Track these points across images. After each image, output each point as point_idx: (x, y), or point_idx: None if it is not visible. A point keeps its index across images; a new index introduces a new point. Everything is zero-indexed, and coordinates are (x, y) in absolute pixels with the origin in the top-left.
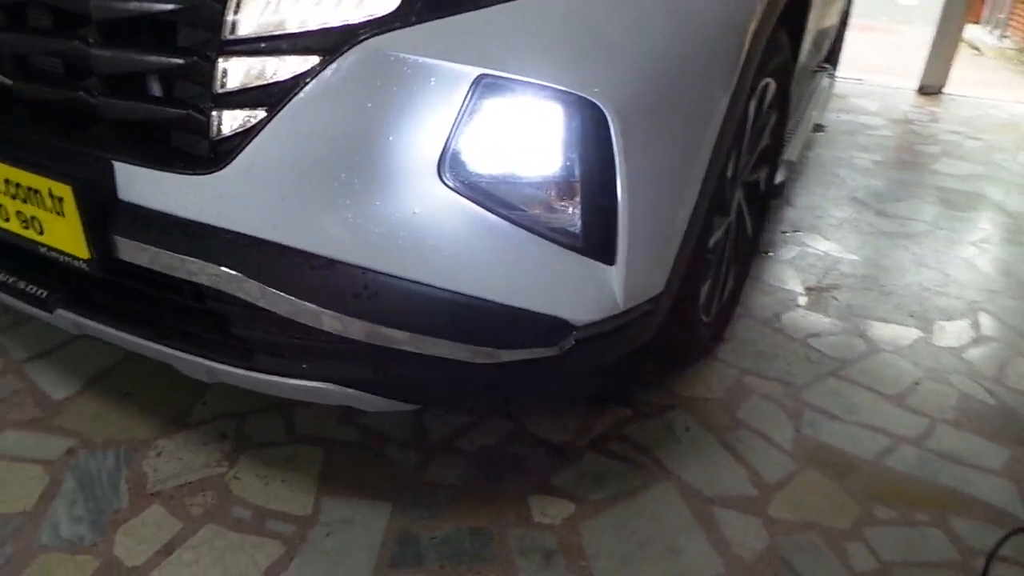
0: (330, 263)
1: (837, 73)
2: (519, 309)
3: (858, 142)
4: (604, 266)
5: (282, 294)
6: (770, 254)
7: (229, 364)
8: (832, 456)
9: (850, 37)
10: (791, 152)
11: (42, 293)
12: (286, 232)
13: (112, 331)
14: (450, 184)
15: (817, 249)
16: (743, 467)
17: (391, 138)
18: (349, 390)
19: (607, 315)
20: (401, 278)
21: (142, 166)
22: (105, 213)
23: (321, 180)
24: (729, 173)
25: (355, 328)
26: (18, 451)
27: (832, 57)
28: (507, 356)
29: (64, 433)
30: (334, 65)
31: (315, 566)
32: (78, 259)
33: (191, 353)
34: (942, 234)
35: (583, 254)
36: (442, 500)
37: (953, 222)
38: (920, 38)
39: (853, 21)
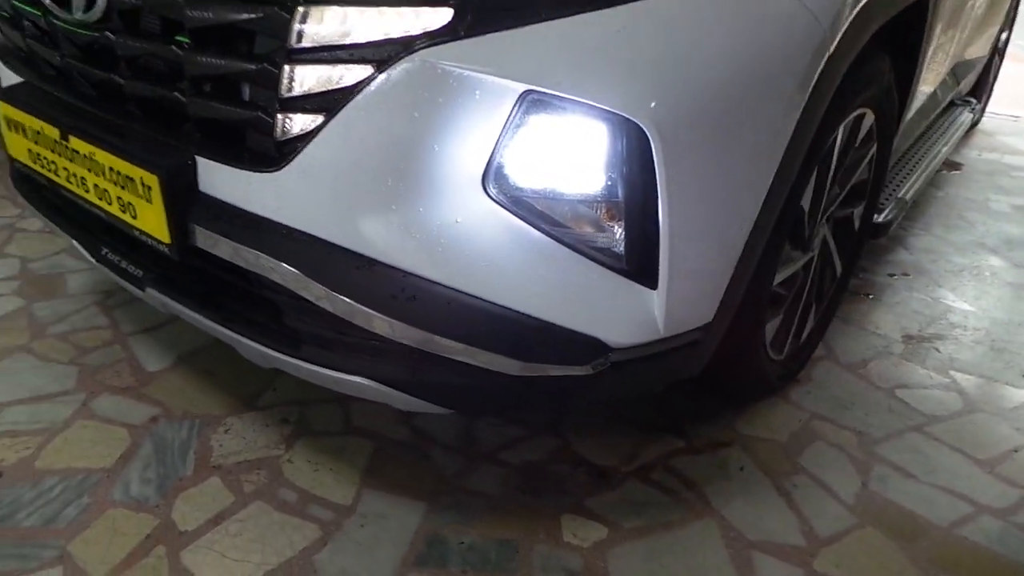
0: (371, 263)
1: (988, 108)
2: (553, 325)
3: (998, 183)
4: (646, 289)
5: (323, 287)
6: (871, 296)
7: (279, 351)
8: (898, 517)
9: (1011, 70)
10: (905, 190)
11: (138, 272)
12: (334, 231)
13: (189, 312)
14: (493, 196)
15: (926, 296)
16: (794, 515)
17: (436, 147)
18: (385, 387)
19: (647, 340)
20: (439, 284)
21: (219, 162)
22: (185, 202)
23: (369, 184)
24: (806, 206)
25: (390, 328)
26: (110, 414)
27: (979, 90)
28: (537, 371)
29: (151, 402)
30: (386, 75)
31: (345, 553)
32: (161, 243)
33: (249, 337)
34: None
35: (624, 276)
36: (477, 508)
37: None
38: None
39: (1016, 52)
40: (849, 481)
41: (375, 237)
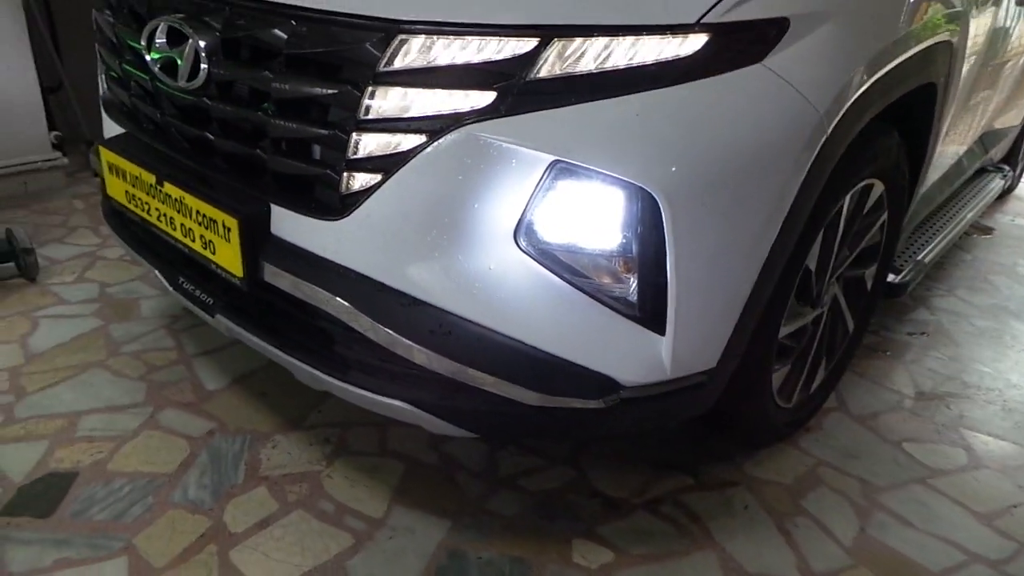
0: (415, 302)
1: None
2: (571, 362)
3: None
4: (655, 335)
5: (371, 319)
6: (888, 353)
7: (329, 375)
8: (893, 561)
9: None
10: (925, 253)
11: (209, 300)
12: (385, 272)
13: (252, 337)
14: (523, 248)
15: (943, 355)
16: (792, 552)
17: (476, 205)
18: (420, 411)
19: (654, 380)
20: (472, 322)
21: (290, 210)
22: (258, 243)
23: (417, 234)
24: (812, 266)
25: (427, 358)
26: (173, 426)
27: (1013, 157)
28: (556, 403)
29: (208, 417)
30: (437, 143)
31: (374, 561)
32: (235, 276)
33: (304, 362)
34: None
35: (636, 322)
36: (495, 528)
37: None
38: None
39: None
40: (848, 525)
41: (419, 279)
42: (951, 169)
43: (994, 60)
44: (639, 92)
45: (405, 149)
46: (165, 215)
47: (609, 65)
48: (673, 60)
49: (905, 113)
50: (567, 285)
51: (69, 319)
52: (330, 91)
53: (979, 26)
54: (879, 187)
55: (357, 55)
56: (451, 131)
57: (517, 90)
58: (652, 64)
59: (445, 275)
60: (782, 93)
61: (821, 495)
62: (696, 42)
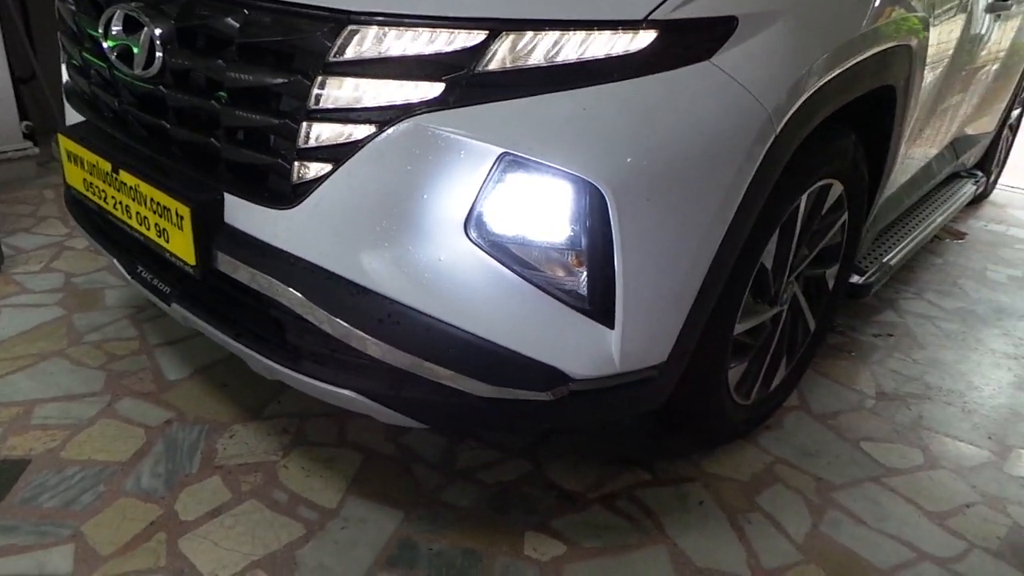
0: (364, 291)
1: (1003, 181)
2: (520, 354)
3: (999, 254)
4: (604, 328)
5: (320, 308)
6: (852, 354)
7: (281, 364)
8: (843, 558)
9: None
10: (892, 255)
11: (165, 289)
12: (335, 262)
13: (206, 326)
14: (472, 239)
15: (907, 357)
16: (743, 548)
17: (425, 196)
18: (370, 401)
19: (604, 373)
20: (421, 312)
21: (243, 198)
22: (211, 231)
23: (367, 224)
24: (768, 264)
25: (375, 347)
26: (130, 415)
27: (987, 163)
28: (504, 394)
29: (167, 407)
30: (386, 134)
31: (325, 551)
32: (188, 264)
33: (256, 351)
34: None
35: (585, 315)
36: (449, 519)
37: None
38: None
39: None
40: (801, 522)
41: (369, 269)
42: (919, 173)
43: (965, 66)
44: (588, 87)
45: (355, 139)
46: (121, 203)
47: (559, 59)
48: (622, 55)
49: (865, 116)
50: (517, 277)
51: (32, 308)
52: (281, 80)
53: (943, 32)
54: (838, 187)
55: (308, 45)
56: (400, 122)
57: (466, 82)
58: (601, 59)
59: (395, 265)
60: (730, 90)
61: (776, 492)
62: (644, 38)
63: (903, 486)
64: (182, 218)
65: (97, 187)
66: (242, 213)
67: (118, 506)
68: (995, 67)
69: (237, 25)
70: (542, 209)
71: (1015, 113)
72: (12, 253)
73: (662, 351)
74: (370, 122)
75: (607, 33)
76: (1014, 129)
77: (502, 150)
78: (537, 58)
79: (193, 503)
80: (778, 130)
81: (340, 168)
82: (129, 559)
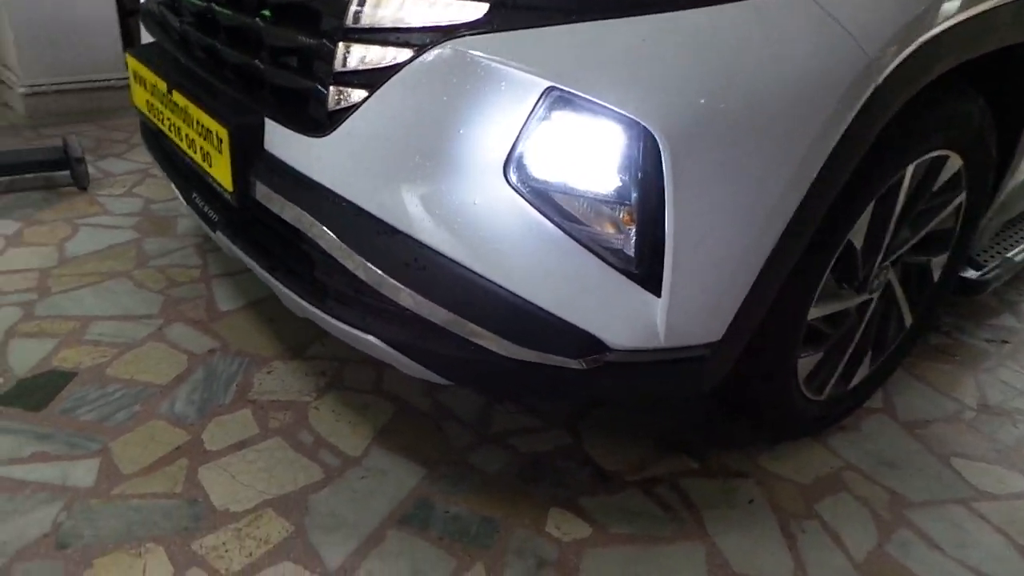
0: (392, 231)
1: None
2: (554, 315)
3: None
4: (650, 296)
5: (345, 245)
6: (957, 358)
7: (308, 301)
8: None
9: None
10: (1018, 251)
11: (213, 217)
12: (365, 197)
13: (245, 257)
14: (511, 183)
15: (1020, 368)
16: (791, 558)
17: (461, 131)
18: (391, 349)
19: (646, 346)
20: (450, 259)
21: (282, 124)
22: (249, 157)
23: (398, 157)
24: (858, 243)
25: (398, 292)
26: (178, 341)
27: None
28: (533, 357)
29: (214, 336)
30: (422, 58)
31: (339, 498)
32: (226, 191)
33: (286, 286)
34: None
35: (629, 278)
36: (472, 483)
37: None
38: None
39: None
40: (865, 538)
41: (398, 207)
42: None
43: None
44: (652, 13)
45: (390, 63)
46: (174, 125)
47: None
48: None
49: (999, 78)
50: (557, 229)
51: (108, 229)
52: None
53: None
54: (955, 161)
55: None
56: (438, 46)
57: (512, 3)
58: None
59: (426, 205)
60: (824, 28)
61: (840, 501)
62: None
63: (995, 513)
64: (221, 141)
65: (156, 108)
66: (281, 140)
67: (149, 427)
68: None
69: None
70: (590, 154)
71: None
72: (100, 176)
73: (716, 328)
74: (408, 45)
75: None
76: None
77: (548, 83)
78: None
79: (220, 433)
80: (880, 80)
81: (374, 95)
82: (148, 481)
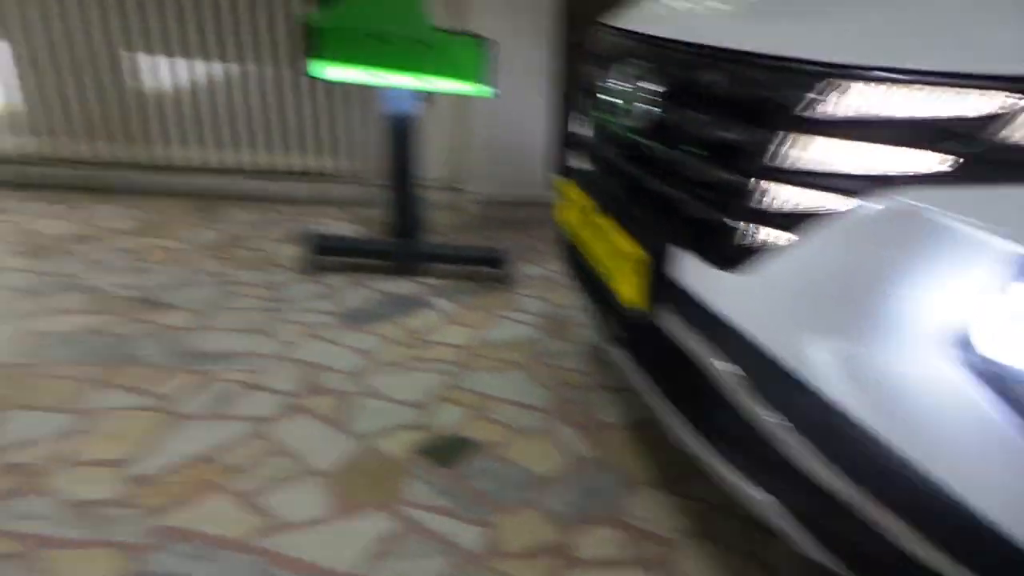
0: (811, 390)
1: None
2: (1015, 542)
3: None
4: None
5: (747, 389)
6: None
7: (697, 436)
8: None
9: None
10: None
11: (615, 331)
12: (779, 345)
13: (638, 375)
14: (960, 363)
15: None
16: None
17: (902, 292)
18: (787, 513)
19: None
20: (871, 430)
21: (695, 255)
22: (656, 281)
23: (821, 309)
24: None
25: (806, 457)
26: (565, 440)
27: None
28: None
29: (595, 445)
30: (863, 208)
31: None
32: (631, 309)
33: (676, 414)
34: None
35: None
36: None
37: None
38: None
39: None
40: None
41: (814, 361)
42: None
43: None
44: None
45: (824, 209)
46: (591, 242)
47: None
48: None
49: None
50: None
51: (518, 324)
52: (746, 135)
53: None
54: None
55: (776, 98)
56: (885, 196)
57: (978, 156)
58: None
59: (844, 367)
60: None
61: None
62: None
63: None
64: (634, 261)
65: (577, 225)
66: (687, 268)
67: (529, 515)
68: None
69: (709, 78)
70: None
71: None
72: (519, 277)
73: None
74: (843, 192)
75: None
76: None
77: (1021, 250)
78: None
79: (587, 545)
80: None
81: (803, 239)
82: (522, 566)
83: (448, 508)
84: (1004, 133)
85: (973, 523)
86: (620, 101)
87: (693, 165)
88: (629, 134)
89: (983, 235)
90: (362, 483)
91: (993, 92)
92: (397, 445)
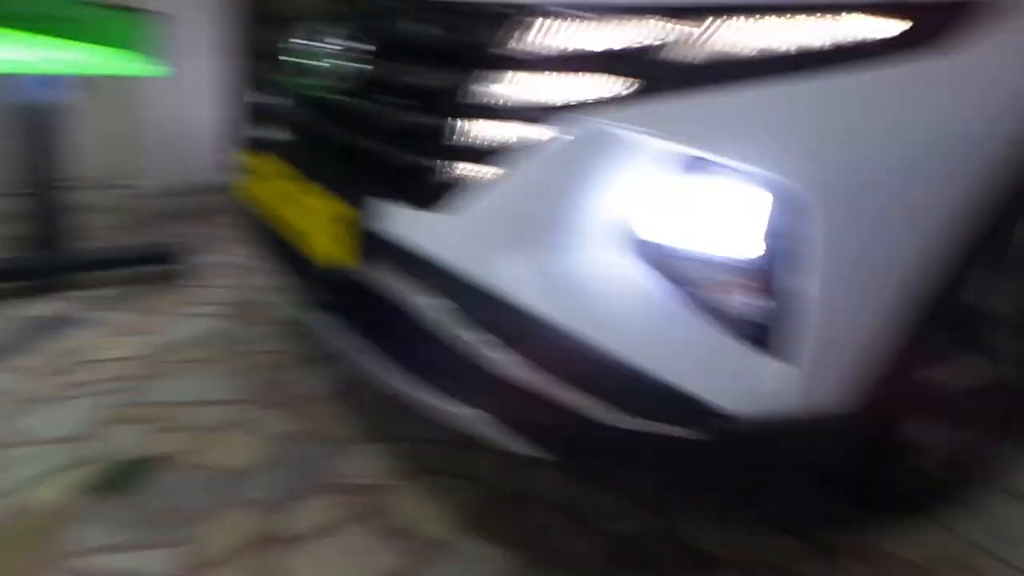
0: (509, 304)
1: None
2: (677, 386)
3: None
4: (784, 364)
5: (459, 319)
6: None
7: (408, 379)
8: None
9: None
10: None
11: (310, 295)
12: (482, 271)
13: (341, 335)
14: (644, 253)
15: None
16: None
17: (592, 203)
18: (496, 424)
19: (776, 418)
20: (572, 332)
21: (395, 201)
22: (356, 234)
23: (522, 232)
24: (994, 307)
25: (511, 365)
26: (267, 426)
27: None
28: (653, 428)
29: (301, 421)
30: (557, 135)
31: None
32: (336, 270)
33: (385, 364)
34: None
35: (762, 346)
36: (563, 569)
37: None
38: None
39: None
40: None
41: (519, 280)
42: None
43: None
44: (796, 78)
45: (522, 140)
46: (282, 212)
47: (769, 49)
48: (853, 43)
49: None
50: (686, 297)
51: (203, 318)
52: (444, 77)
53: None
54: None
55: (469, 39)
56: (574, 121)
57: (652, 75)
58: (823, 48)
59: (548, 278)
60: (977, 85)
61: None
62: (876, 23)
63: None
64: (328, 219)
65: (264, 198)
66: (392, 217)
67: (235, 514)
68: None
69: (398, 22)
70: (729, 221)
71: None
72: (200, 269)
73: (853, 398)
74: (541, 121)
75: (828, 17)
76: None
77: (687, 151)
78: (741, 48)
79: (301, 521)
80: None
81: (505, 171)
82: (232, 570)
83: (130, 542)
84: (670, 55)
85: (646, 380)
86: (312, 61)
87: (397, 115)
88: (324, 93)
89: (656, 141)
90: (12, 550)
91: (657, 20)
92: (56, 491)
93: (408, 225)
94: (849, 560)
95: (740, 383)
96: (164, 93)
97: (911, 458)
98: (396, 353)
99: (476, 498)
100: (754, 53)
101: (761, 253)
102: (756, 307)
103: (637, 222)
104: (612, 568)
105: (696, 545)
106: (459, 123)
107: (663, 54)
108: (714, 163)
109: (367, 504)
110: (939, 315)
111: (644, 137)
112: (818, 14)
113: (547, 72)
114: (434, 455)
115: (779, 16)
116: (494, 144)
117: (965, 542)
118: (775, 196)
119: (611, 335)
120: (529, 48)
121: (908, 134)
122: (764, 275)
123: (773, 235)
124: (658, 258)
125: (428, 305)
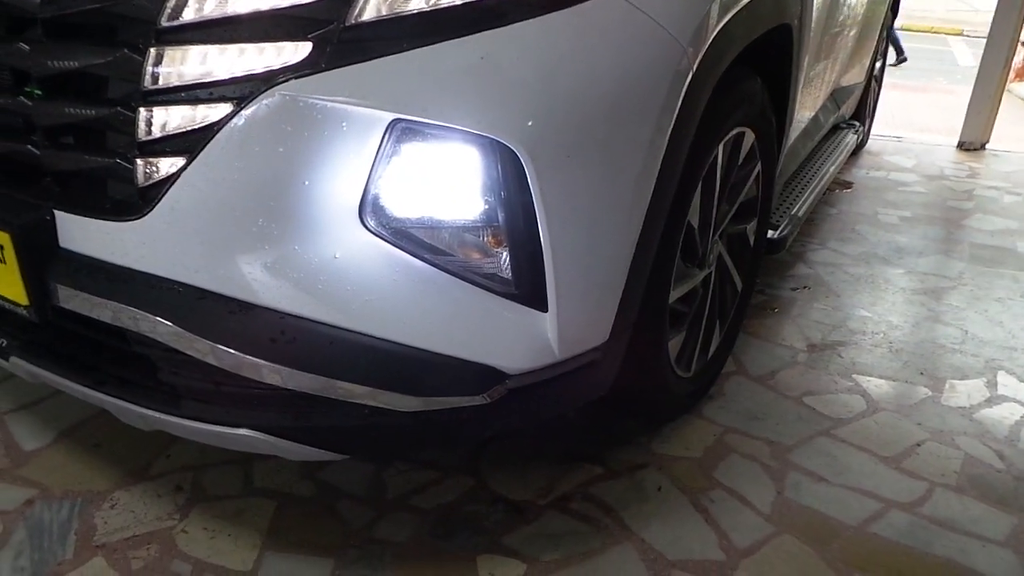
0: (247, 307)
1: (875, 132)
2: (445, 356)
3: (886, 198)
4: (537, 313)
5: (196, 336)
6: (776, 310)
7: (157, 410)
8: (813, 521)
9: (902, 98)
10: (798, 207)
11: (1, 342)
12: (206, 276)
13: (58, 379)
14: (371, 228)
15: (826, 306)
16: (712, 529)
17: (306, 182)
18: (272, 438)
19: (543, 364)
20: (321, 323)
21: (79, 214)
22: (43, 260)
23: (238, 225)
24: (695, 222)
25: (266, 372)
26: None
27: (860, 114)
28: (434, 404)
29: (26, 484)
30: (245, 112)
31: None
32: (19, 306)
33: (124, 399)
34: (965, 290)
35: (513, 300)
36: (387, 558)
37: (978, 278)
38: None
39: (908, 83)
40: (764, 491)
41: (250, 279)
42: (810, 124)
43: (839, 11)
44: (483, 31)
45: (209, 122)
46: None
47: (444, 1)
48: None
49: (763, 59)
50: (428, 267)
51: None
52: (103, 59)
53: None
54: (750, 136)
55: (132, 11)
56: (261, 95)
57: (337, 38)
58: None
59: (281, 271)
60: (644, 25)
61: (732, 463)
62: None
63: (853, 435)
64: (2, 247)
65: None
66: (81, 233)
67: None
68: (864, 10)
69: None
70: (449, 182)
71: (878, 64)
72: None
73: (603, 329)
74: (225, 99)
75: None
76: (879, 81)
77: (392, 116)
78: (419, 2)
79: None
80: (695, 68)
81: (195, 160)
82: None
83: None
84: (354, 13)
85: (416, 356)
86: None
87: (47, 108)
88: None
89: (359, 109)
90: None
91: None
92: None
93: (101, 239)
94: (642, 471)
95: (506, 341)
96: None
97: (664, 368)
98: (131, 385)
99: (273, 513)
100: (431, 7)
101: (486, 210)
102: (498, 265)
103: (356, 197)
104: (441, 542)
105: (509, 496)
106: (131, 111)
107: (350, 14)
108: (420, 126)
109: (144, 557)
110: (658, 235)
111: (338, 104)
112: None
113: (222, 42)
114: (208, 480)
115: None
116: (176, 132)
117: (723, 428)
118: (489, 152)
119: (366, 319)
120: (198, 16)
121: (593, 76)
122: (497, 232)
123: (496, 191)
124: (389, 230)
125: (150, 325)
